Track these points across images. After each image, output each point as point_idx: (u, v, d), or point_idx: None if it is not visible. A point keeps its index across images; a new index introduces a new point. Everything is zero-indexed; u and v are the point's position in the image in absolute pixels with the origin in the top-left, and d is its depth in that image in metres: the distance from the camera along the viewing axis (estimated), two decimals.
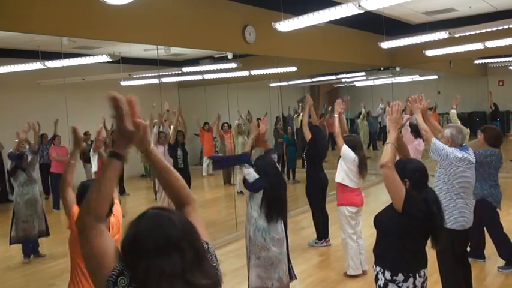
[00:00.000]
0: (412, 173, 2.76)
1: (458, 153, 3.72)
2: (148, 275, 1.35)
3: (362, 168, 5.01)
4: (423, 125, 3.86)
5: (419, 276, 2.71)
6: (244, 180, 4.16)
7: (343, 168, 5.06)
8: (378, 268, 2.79)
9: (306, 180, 6.46)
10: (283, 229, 4.17)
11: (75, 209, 2.69)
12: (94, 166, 7.16)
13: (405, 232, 2.67)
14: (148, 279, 1.35)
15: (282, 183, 4.26)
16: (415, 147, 6.01)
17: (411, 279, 2.68)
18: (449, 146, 3.80)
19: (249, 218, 4.11)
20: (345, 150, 5.01)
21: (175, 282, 1.35)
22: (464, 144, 3.86)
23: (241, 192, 8.17)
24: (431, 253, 3.88)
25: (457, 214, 3.79)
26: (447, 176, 3.76)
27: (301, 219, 6.37)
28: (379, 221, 2.85)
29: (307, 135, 6.13)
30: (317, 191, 6.30)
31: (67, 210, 2.76)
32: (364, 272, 5.11)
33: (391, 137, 2.79)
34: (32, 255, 6.09)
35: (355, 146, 5.12)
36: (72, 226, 2.64)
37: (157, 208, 1.51)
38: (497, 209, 4.93)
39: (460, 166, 3.71)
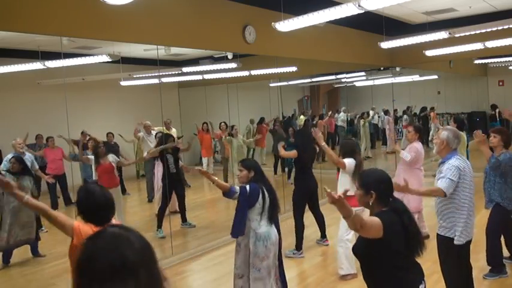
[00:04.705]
0: (377, 184, 2.65)
1: (459, 162, 3.70)
2: None
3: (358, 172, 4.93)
4: (424, 194, 3.96)
5: (420, 284, 2.67)
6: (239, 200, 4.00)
7: (349, 181, 4.91)
8: None
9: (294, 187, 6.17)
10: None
11: (76, 224, 2.67)
12: (94, 174, 6.82)
13: (394, 252, 2.56)
14: None
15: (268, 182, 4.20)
16: (418, 153, 5.98)
17: None
18: (443, 149, 3.79)
19: (247, 233, 3.99)
20: (348, 161, 4.98)
21: None
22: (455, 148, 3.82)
23: None
24: (433, 254, 3.89)
25: (467, 226, 3.74)
26: (461, 189, 3.70)
27: None
28: (362, 252, 2.67)
29: (292, 155, 5.97)
30: (304, 201, 6.04)
31: (66, 230, 2.68)
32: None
33: (347, 212, 2.41)
34: (9, 262, 5.97)
35: (354, 151, 5.15)
36: (78, 242, 2.58)
37: (116, 226, 1.42)
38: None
39: (465, 172, 3.69)
